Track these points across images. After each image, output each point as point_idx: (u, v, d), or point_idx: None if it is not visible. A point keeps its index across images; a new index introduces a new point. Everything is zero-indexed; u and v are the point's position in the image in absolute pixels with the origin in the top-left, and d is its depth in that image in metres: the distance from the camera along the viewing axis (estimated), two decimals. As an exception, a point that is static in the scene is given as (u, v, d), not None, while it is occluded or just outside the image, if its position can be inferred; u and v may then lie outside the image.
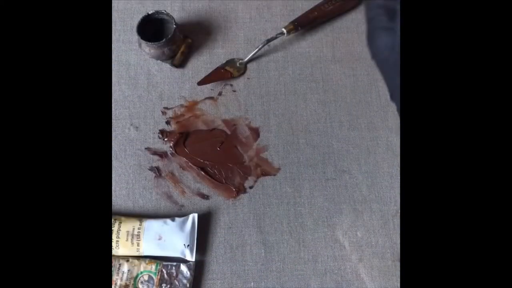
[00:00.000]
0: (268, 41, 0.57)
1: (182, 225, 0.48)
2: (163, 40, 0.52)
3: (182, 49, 0.56)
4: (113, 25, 0.58)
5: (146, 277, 0.46)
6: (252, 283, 0.48)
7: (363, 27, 0.51)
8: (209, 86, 0.56)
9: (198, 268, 0.48)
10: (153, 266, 0.47)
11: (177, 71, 0.57)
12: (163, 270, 0.47)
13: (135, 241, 0.47)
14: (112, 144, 0.53)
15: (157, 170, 0.52)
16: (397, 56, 0.33)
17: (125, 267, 0.46)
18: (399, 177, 0.53)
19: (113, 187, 0.51)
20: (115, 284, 0.46)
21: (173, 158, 0.53)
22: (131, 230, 0.47)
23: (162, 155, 0.53)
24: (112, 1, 0.60)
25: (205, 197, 0.51)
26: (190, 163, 0.52)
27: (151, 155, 0.53)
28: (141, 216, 0.50)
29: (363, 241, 0.50)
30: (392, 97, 0.41)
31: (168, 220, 0.48)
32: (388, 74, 0.39)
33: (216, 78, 0.56)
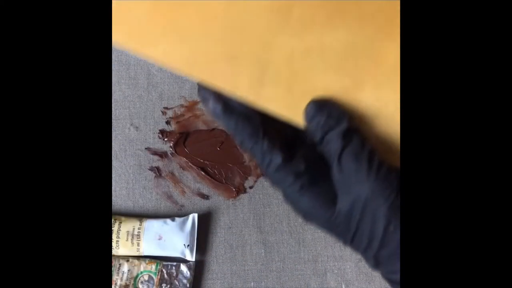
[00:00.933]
0: (268, 41, 0.56)
1: (182, 225, 0.48)
2: (163, 40, 0.52)
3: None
4: (113, 25, 0.58)
5: (146, 277, 0.46)
6: (252, 283, 0.48)
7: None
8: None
9: (198, 268, 0.48)
10: (153, 266, 0.47)
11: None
12: (163, 270, 0.47)
13: (135, 241, 0.47)
14: (112, 144, 0.53)
15: (157, 170, 0.52)
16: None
17: (125, 267, 0.46)
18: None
19: (113, 187, 0.51)
20: (115, 284, 0.46)
21: (173, 158, 0.53)
22: (131, 230, 0.47)
23: (162, 155, 0.53)
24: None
25: (205, 197, 0.51)
26: (190, 163, 0.52)
27: (151, 155, 0.53)
28: (141, 216, 0.50)
29: (363, 241, 0.50)
30: (375, 263, 0.26)
31: (168, 220, 0.48)
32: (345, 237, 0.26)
33: (216, 78, 0.55)
